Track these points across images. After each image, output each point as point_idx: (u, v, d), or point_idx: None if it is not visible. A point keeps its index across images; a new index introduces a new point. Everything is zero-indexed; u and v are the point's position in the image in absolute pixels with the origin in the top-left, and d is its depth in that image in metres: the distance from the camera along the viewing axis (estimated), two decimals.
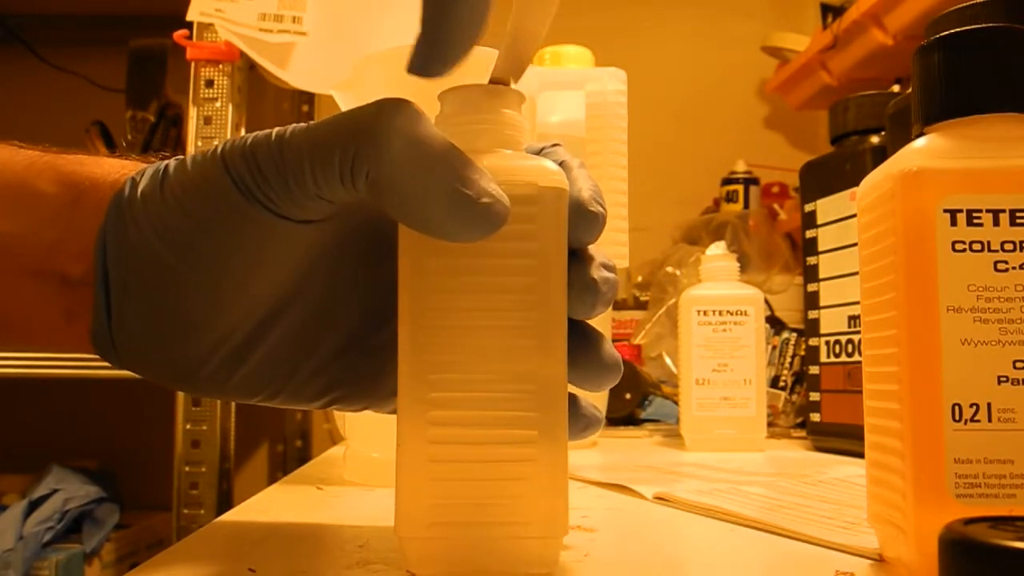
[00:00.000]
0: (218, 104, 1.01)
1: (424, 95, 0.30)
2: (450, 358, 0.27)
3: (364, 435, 0.48)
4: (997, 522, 0.19)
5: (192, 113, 1.02)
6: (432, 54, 0.26)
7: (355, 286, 0.32)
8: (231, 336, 0.30)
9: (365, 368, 0.33)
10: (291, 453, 1.41)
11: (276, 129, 0.28)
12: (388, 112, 0.26)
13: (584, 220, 0.29)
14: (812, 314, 0.68)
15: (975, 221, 0.26)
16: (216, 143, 0.29)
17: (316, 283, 0.31)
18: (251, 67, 1.01)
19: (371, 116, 0.26)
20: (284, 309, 0.31)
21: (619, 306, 1.05)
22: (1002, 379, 0.25)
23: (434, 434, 0.27)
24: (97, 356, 0.31)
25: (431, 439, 0.27)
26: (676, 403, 0.79)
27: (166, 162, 0.30)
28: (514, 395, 0.27)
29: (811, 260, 0.68)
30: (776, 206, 1.25)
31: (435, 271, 0.27)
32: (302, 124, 0.28)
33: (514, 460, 0.27)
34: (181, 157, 0.30)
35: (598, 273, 0.29)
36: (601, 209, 0.29)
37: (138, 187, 0.29)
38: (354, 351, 0.33)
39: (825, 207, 0.67)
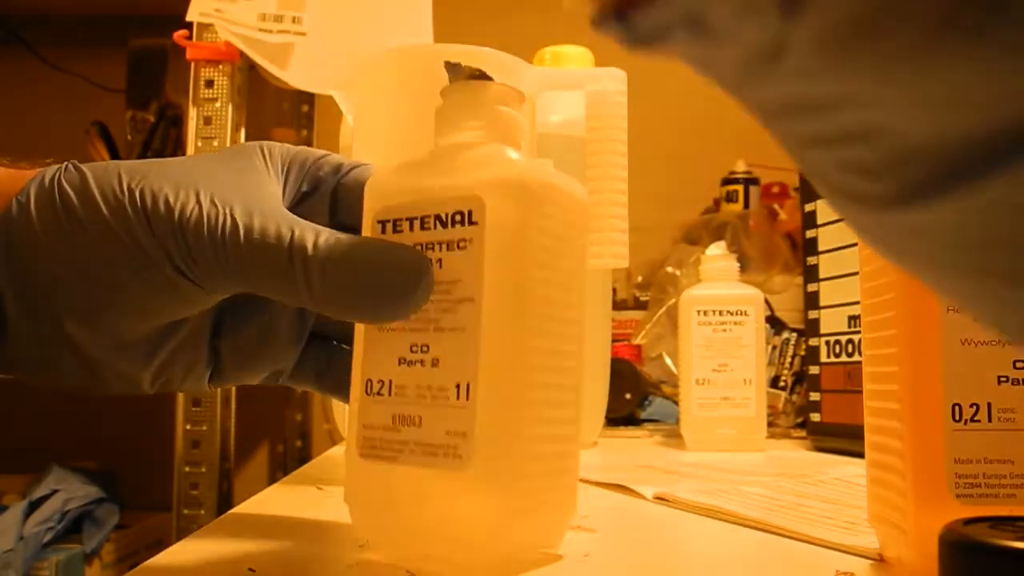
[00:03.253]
0: (218, 104, 1.01)
1: (424, 96, 0.30)
2: (541, 343, 0.27)
3: None
4: (997, 522, 0.19)
5: (192, 113, 1.02)
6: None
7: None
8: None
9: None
10: (291, 453, 1.41)
11: (207, 204, 0.27)
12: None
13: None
14: (812, 314, 0.68)
15: None
16: (137, 185, 0.28)
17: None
18: (251, 67, 1.01)
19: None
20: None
21: (619, 306, 1.05)
22: (1002, 379, 0.25)
23: (532, 427, 0.27)
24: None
25: (529, 435, 0.26)
26: (676, 403, 0.79)
27: (62, 186, 0.28)
28: (567, 385, 0.29)
29: (811, 260, 0.68)
30: (776, 206, 1.25)
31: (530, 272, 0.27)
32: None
33: (568, 446, 0.29)
34: (81, 182, 0.28)
35: None
36: None
37: (31, 211, 0.28)
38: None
39: (825, 207, 0.67)
